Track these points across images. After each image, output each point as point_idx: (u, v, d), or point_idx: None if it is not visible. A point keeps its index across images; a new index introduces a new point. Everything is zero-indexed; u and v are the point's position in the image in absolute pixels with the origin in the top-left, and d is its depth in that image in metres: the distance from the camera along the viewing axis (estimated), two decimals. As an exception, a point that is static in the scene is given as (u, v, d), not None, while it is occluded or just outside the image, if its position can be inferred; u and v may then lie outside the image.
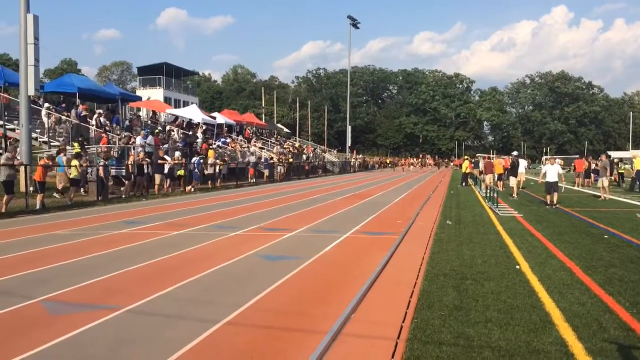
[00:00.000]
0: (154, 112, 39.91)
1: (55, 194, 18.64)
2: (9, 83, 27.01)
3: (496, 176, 26.81)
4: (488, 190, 20.47)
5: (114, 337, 5.03)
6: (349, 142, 63.52)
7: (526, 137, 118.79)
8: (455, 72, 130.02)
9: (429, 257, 8.87)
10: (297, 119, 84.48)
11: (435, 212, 16.16)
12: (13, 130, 24.36)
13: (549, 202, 17.95)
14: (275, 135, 56.93)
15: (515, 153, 26.41)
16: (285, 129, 68.31)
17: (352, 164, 59.30)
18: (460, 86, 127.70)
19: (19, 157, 17.55)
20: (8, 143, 23.46)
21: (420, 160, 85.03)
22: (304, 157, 48.58)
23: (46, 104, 27.72)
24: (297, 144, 56.26)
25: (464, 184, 31.23)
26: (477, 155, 75.18)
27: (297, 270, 7.96)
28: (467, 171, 32.72)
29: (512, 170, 23.38)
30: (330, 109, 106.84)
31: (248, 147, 41.22)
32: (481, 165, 27.67)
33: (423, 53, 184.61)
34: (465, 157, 38.75)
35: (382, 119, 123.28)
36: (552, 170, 18.31)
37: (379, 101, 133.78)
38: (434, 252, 9.32)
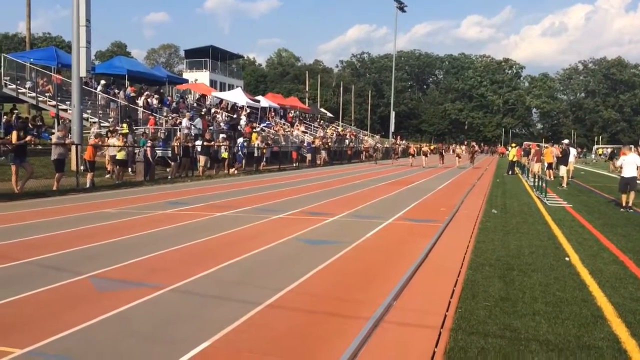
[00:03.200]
0: (200, 95, 40.43)
1: (107, 175, 19.13)
2: (62, 64, 27.78)
3: (546, 165, 26.00)
4: (536, 180, 19.89)
5: (158, 315, 5.12)
6: (392, 128, 62.83)
7: (577, 125, 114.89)
8: (504, 58, 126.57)
9: (474, 246, 8.67)
10: (341, 104, 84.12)
11: (480, 200, 15.82)
12: (65, 110, 25.11)
13: (623, 204, 14.30)
14: (318, 120, 56.87)
15: (566, 141, 25.49)
16: (329, 114, 68.11)
17: (395, 149, 58.73)
18: (509, 72, 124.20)
19: (70, 137, 18.09)
20: (60, 122, 24.23)
21: (466, 147, 77.85)
22: (346, 142, 48.37)
23: (102, 82, 28.43)
24: (339, 129, 56.06)
25: (510, 172, 30.47)
26: (525, 143, 73.12)
27: (338, 255, 7.91)
28: (514, 159, 31.87)
29: (563, 159, 22.62)
30: (374, 94, 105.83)
31: (291, 131, 41.32)
32: (532, 153, 26.85)
33: (470, 38, 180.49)
34: (513, 144, 37.68)
35: (426, 104, 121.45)
36: (629, 162, 14.62)
37: (424, 87, 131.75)
38: (479, 241, 9.10)
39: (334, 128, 54.39)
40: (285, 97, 58.13)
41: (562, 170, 22.03)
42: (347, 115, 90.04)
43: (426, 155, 37.37)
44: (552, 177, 24.23)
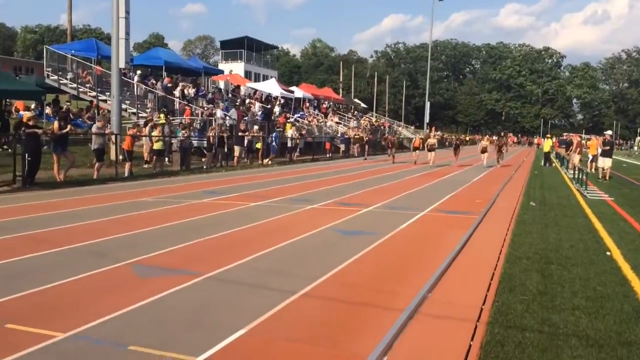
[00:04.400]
0: (235, 86, 40.75)
1: (145, 165, 19.51)
2: (102, 56, 28.36)
3: (590, 157, 25.30)
4: (576, 172, 19.41)
5: (196, 302, 5.21)
6: (427, 119, 62.09)
7: (619, 116, 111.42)
8: (544, 46, 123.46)
9: (511, 239, 8.53)
10: (375, 94, 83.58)
11: (517, 192, 15.53)
12: (105, 101, 25.66)
13: None
14: (352, 110, 56.66)
15: (609, 132, 24.70)
16: (362, 104, 67.79)
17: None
18: (549, 61, 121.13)
19: (109, 127, 18.50)
20: (100, 113, 24.79)
21: (490, 138, 65.79)
22: (380, 133, 48.07)
23: (138, 72, 28.93)
24: (373, 119, 55.74)
25: (547, 164, 29.78)
26: (565, 134, 71.26)
27: (373, 246, 7.90)
28: (550, 150, 31.09)
29: (606, 151, 21.97)
30: (409, 84, 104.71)
31: (325, 121, 41.30)
32: (574, 144, 26.11)
33: (509, 26, 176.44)
34: (549, 135, 36.71)
35: (462, 95, 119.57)
36: None
37: (460, 77, 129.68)
38: (516, 234, 8.95)
39: (367, 118, 54.09)
40: (319, 88, 58.06)
41: (605, 162, 21.41)
42: (381, 106, 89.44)
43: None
44: (594, 169, 23.60)
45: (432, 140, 27.69)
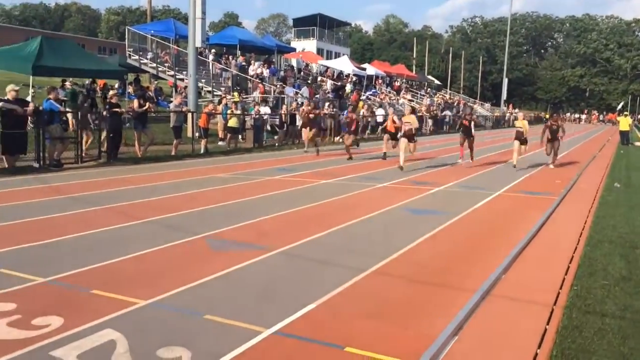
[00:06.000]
0: (307, 63, 40.88)
1: (219, 142, 20.07)
2: (179, 36, 29.23)
3: None
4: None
5: (267, 276, 5.34)
6: (504, 96, 59.82)
7: None
8: (634, 18, 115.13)
9: (593, 222, 8.11)
10: (449, 71, 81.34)
11: (601, 173, 14.73)
12: (182, 79, 26.49)
13: None
14: (425, 88, 55.52)
15: None
16: (436, 81, 66.20)
17: (507, 118, 56.02)
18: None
19: (186, 105, 19.10)
20: (179, 92, 25.62)
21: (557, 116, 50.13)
22: (454, 110, 46.87)
23: (213, 51, 29.64)
24: (447, 97, 54.39)
25: (626, 142, 27.98)
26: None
27: (444, 225, 7.76)
28: (629, 129, 29.14)
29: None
30: (486, 60, 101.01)
31: (397, 99, 40.73)
32: None
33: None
34: (625, 113, 34.14)
35: (542, 70, 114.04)
36: None
37: (541, 51, 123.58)
38: (599, 217, 8.50)
39: (441, 96, 52.87)
40: (391, 65, 57.18)
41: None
42: (456, 83, 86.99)
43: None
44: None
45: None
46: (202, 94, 26.18)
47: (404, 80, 51.08)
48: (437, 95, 53.66)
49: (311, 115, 18.53)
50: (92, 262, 5.51)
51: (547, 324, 4.29)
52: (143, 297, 4.58)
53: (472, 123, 15.52)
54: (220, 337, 3.94)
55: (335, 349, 3.81)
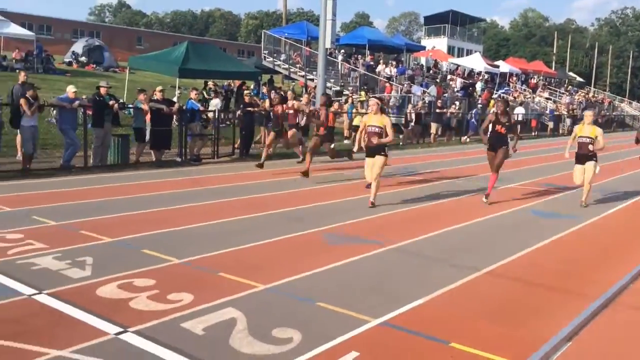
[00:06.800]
0: (436, 61, 40.19)
1: (345, 141, 20.52)
2: (311, 37, 30.25)
3: None
4: None
5: (379, 270, 5.50)
6: (657, 93, 54.19)
7: None
8: None
9: None
10: (594, 67, 75.30)
11: None
12: (312, 80, 27.40)
13: None
14: (565, 85, 51.97)
15: None
16: (578, 78, 61.65)
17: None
18: None
19: (314, 105, 19.75)
20: (308, 92, 26.54)
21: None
22: (597, 109, 43.38)
23: (342, 51, 30.29)
24: (590, 94, 50.49)
25: None
26: None
27: (570, 230, 7.38)
28: None
29: None
30: (637, 55, 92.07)
31: (532, 97, 38.62)
32: None
33: None
34: None
35: None
36: None
37: None
38: None
39: (583, 94, 49.18)
40: (528, 62, 54.26)
41: None
42: (602, 80, 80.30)
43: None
44: None
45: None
46: (331, 93, 26.86)
47: (542, 78, 48.23)
48: (579, 93, 49.99)
49: (290, 111, 13.44)
50: (221, 247, 6.02)
51: (676, 338, 3.99)
52: (262, 282, 4.95)
53: (506, 127, 8.94)
54: (331, 323, 4.17)
55: (440, 343, 3.88)
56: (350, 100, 20.29)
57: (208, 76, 21.21)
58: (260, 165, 11.86)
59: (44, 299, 4.35)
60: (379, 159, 8.45)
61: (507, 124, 8.86)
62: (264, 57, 30.34)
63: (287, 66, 29.18)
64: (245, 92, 17.92)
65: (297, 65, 29.14)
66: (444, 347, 3.82)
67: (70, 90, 11.35)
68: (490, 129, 9.07)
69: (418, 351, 3.78)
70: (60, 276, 4.87)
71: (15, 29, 29.49)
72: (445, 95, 26.90)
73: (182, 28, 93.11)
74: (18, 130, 10.79)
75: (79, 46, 34.87)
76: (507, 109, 9.17)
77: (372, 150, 8.51)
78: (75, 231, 6.32)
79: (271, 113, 13.41)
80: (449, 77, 35.09)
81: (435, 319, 4.29)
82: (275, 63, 29.69)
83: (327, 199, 9.19)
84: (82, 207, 7.65)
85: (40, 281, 4.70)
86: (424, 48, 42.32)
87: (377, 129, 8.45)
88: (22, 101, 10.23)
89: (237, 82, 24.12)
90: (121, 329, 3.86)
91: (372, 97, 9.04)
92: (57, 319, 4.03)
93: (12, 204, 7.55)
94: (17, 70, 18.31)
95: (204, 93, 21.12)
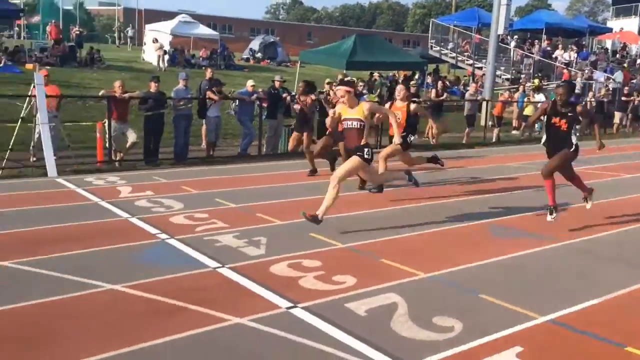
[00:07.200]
0: (624, 44, 36.17)
1: (513, 131, 19.55)
2: (482, 24, 29.16)
3: None
4: None
5: (545, 266, 5.30)
6: None
7: None
8: None
9: None
10: None
11: None
12: (480, 68, 26.40)
13: None
14: None
15: None
16: None
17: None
18: None
19: (482, 93, 19.09)
20: (475, 81, 25.67)
21: None
22: None
23: (515, 37, 28.75)
24: None
25: None
26: None
27: None
28: None
29: None
30: None
31: None
32: None
33: None
34: None
35: None
36: None
37: None
38: None
39: None
40: None
41: None
42: None
43: None
44: None
45: None
46: (501, 81, 25.66)
47: None
48: None
49: (296, 107, 11.03)
50: (383, 235, 6.19)
51: None
52: (423, 270, 5.02)
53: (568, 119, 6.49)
54: (493, 315, 4.13)
55: (614, 346, 3.66)
56: (521, 89, 19.21)
57: (374, 67, 21.56)
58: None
59: (225, 272, 4.90)
60: (351, 160, 6.28)
61: (569, 114, 6.40)
62: (431, 46, 29.91)
63: (454, 55, 28.45)
64: (412, 82, 17.90)
65: (465, 54, 28.27)
66: (621, 350, 3.59)
67: (249, 84, 12.36)
68: (545, 122, 6.72)
69: (590, 352, 3.60)
70: (239, 253, 5.42)
71: (203, 30, 32.81)
72: (634, 81, 24.17)
73: (350, 21, 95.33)
74: (204, 121, 12.03)
75: (255, 43, 37.70)
76: (571, 97, 6.65)
77: (352, 152, 6.36)
78: (252, 213, 6.94)
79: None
80: (638, 61, 31.43)
81: (608, 322, 4.04)
82: (442, 52, 29.11)
83: (494, 192, 8.88)
84: (257, 191, 8.33)
85: (223, 256, 5.28)
86: (610, 30, 38.36)
87: (355, 123, 6.24)
88: (209, 93, 11.43)
89: (402, 73, 24.17)
90: (292, 304, 4.21)
91: (340, 84, 6.94)
92: (237, 290, 4.52)
93: (198, 187, 8.47)
94: (204, 67, 20.29)
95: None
